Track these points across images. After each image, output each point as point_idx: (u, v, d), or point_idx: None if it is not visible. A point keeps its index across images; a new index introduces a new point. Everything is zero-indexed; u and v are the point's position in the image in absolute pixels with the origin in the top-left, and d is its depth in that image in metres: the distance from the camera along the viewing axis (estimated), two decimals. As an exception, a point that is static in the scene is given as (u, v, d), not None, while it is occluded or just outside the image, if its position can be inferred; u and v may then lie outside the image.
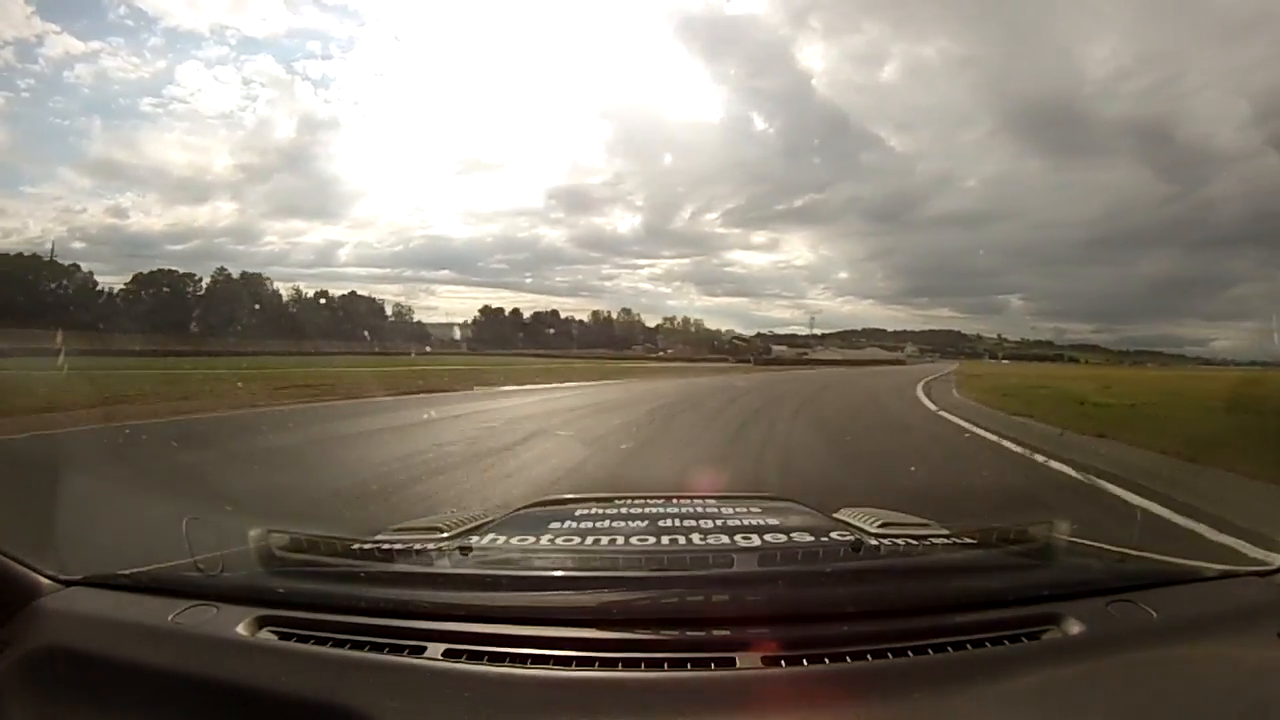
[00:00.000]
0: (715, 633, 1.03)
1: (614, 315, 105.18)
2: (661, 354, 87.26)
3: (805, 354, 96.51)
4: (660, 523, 1.58)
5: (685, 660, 0.96)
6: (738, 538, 1.46)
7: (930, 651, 0.99)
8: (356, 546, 1.36)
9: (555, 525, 1.58)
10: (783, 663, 0.96)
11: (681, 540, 1.44)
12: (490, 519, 1.72)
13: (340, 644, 1.02)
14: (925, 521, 1.67)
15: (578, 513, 1.70)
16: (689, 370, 37.55)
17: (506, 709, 0.89)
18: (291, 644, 1.04)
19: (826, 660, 0.97)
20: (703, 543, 1.42)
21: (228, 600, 1.15)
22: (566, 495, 2.28)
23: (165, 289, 61.18)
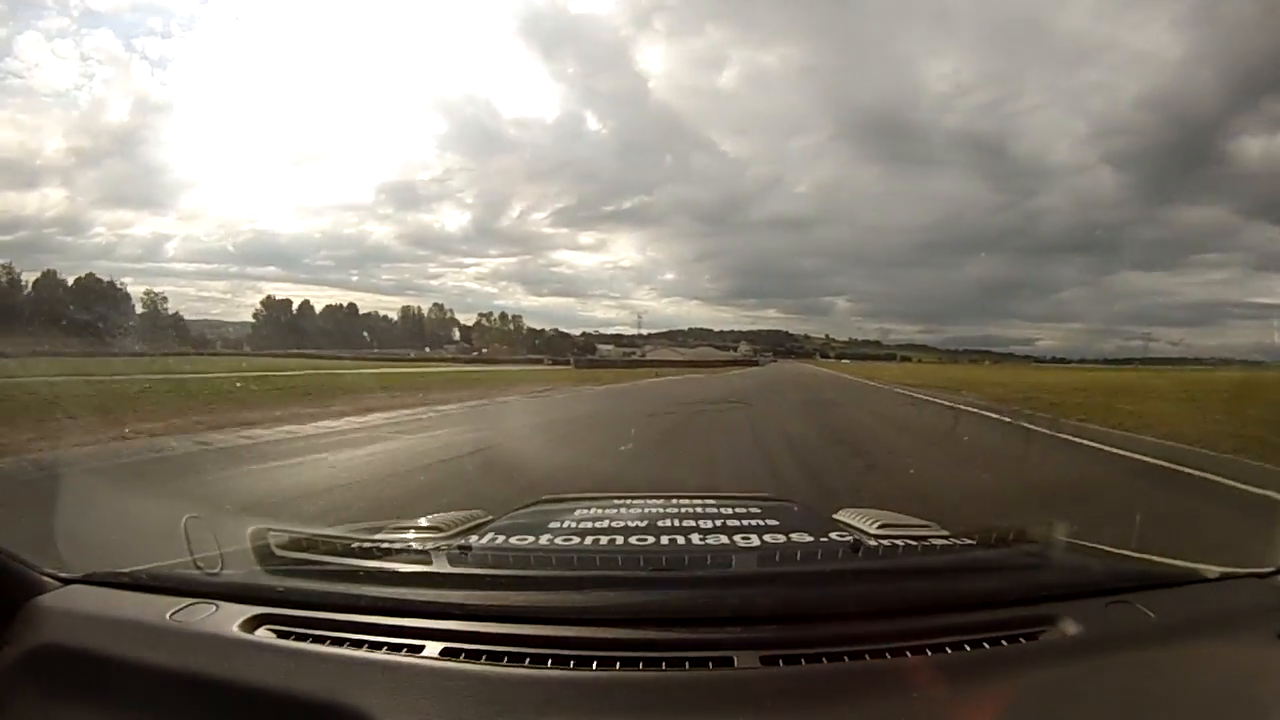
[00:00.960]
0: (714, 632, 1.03)
1: (425, 312, 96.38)
2: (477, 354, 78.49)
3: (633, 354, 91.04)
4: (659, 522, 1.58)
5: (684, 660, 0.96)
6: (737, 538, 1.44)
7: (929, 652, 0.99)
8: (355, 545, 1.36)
9: (554, 525, 1.57)
10: (781, 662, 0.96)
11: (681, 540, 1.44)
12: (489, 518, 1.71)
13: (338, 642, 1.02)
14: (925, 522, 1.65)
15: (577, 512, 1.69)
16: (481, 384, 23.15)
17: (504, 708, 0.88)
18: (290, 642, 1.04)
19: (825, 660, 0.97)
20: (702, 542, 1.42)
21: (226, 598, 1.14)
22: (566, 495, 2.21)
23: None
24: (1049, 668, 0.98)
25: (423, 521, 1.68)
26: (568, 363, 59.24)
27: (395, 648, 1.00)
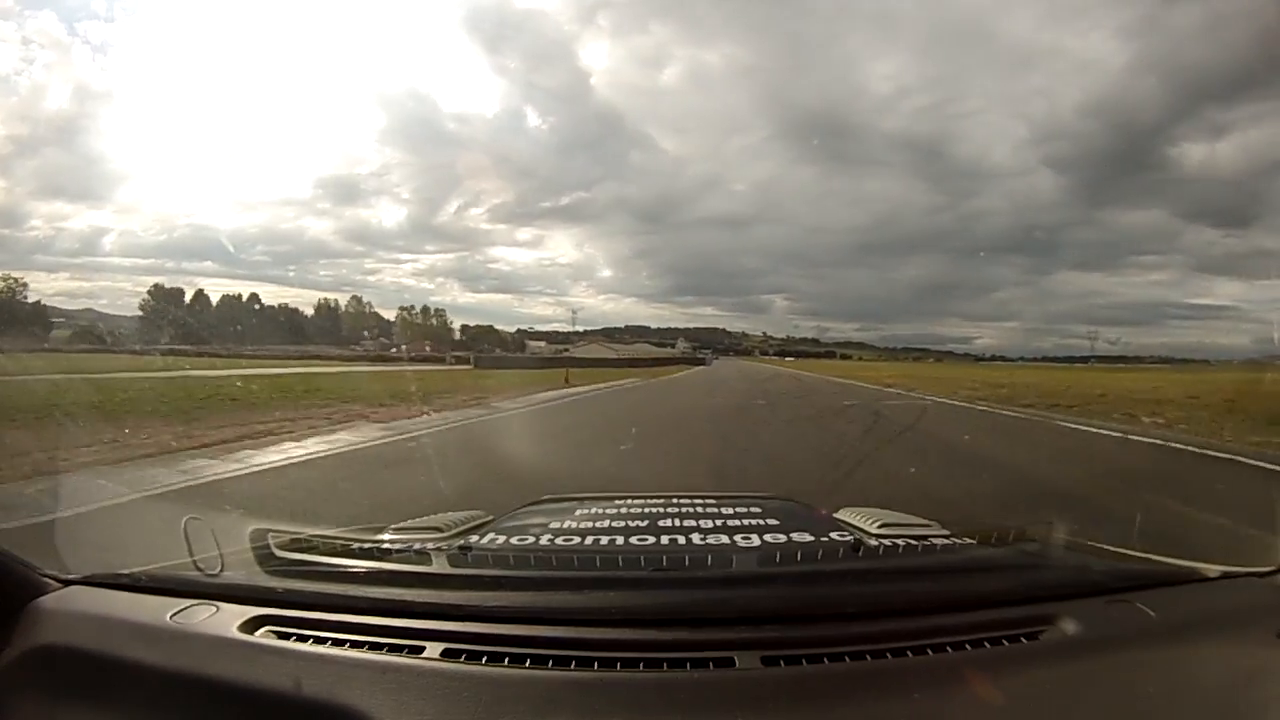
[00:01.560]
0: (715, 633, 1.03)
1: (343, 305, 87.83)
2: (395, 351, 68.05)
3: (565, 351, 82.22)
4: (660, 522, 1.56)
5: (685, 660, 0.96)
6: (737, 537, 1.43)
7: (930, 651, 0.99)
8: (356, 546, 1.35)
9: (555, 525, 1.56)
10: (782, 663, 0.96)
11: (681, 540, 1.43)
12: (490, 518, 1.70)
13: (339, 643, 1.02)
14: (925, 522, 1.63)
15: (577, 512, 1.68)
16: (244, 409, 11.77)
17: (505, 709, 0.89)
18: (290, 643, 1.04)
19: (826, 660, 0.97)
20: (702, 542, 1.41)
21: (227, 599, 1.14)
22: (566, 495, 2.15)
23: None
24: (1049, 667, 0.98)
25: (423, 522, 1.65)
26: (466, 363, 49.66)
27: (395, 649, 1.00)
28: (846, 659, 0.97)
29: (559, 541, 1.45)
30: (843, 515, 1.68)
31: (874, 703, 0.90)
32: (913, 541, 1.39)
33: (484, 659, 0.97)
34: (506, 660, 0.96)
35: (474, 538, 1.46)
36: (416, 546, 1.35)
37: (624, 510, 1.70)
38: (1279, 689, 0.99)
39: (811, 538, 1.42)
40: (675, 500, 1.81)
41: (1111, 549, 1.48)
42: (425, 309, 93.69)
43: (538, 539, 1.46)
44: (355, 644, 1.01)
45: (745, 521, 1.55)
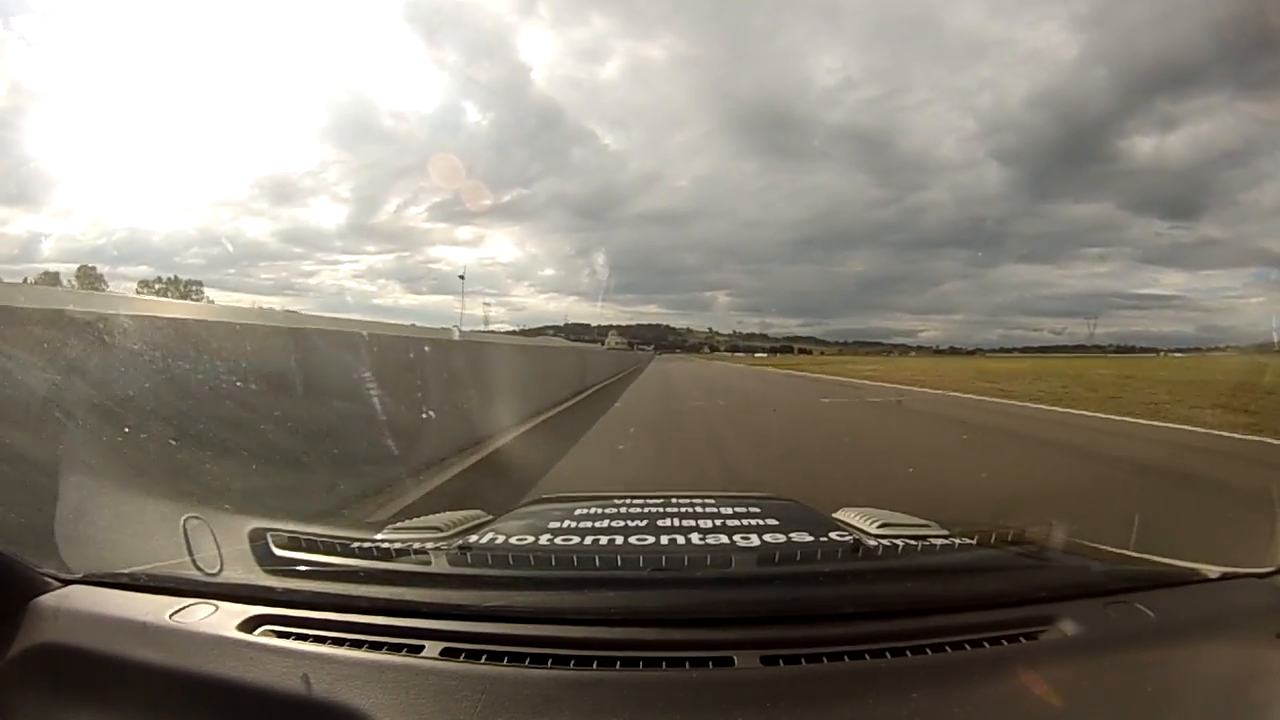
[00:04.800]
0: (714, 632, 1.03)
1: (68, 283, 62.47)
2: None
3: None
4: (659, 522, 1.56)
5: (684, 660, 0.97)
6: (736, 537, 1.43)
7: (928, 652, 1.00)
8: (355, 545, 1.35)
9: (554, 524, 1.56)
10: (781, 662, 0.97)
11: (680, 540, 1.43)
12: (489, 518, 1.70)
13: (338, 643, 1.03)
14: (925, 522, 1.61)
15: (577, 512, 1.68)
16: None
17: (504, 708, 0.89)
18: (289, 642, 1.04)
19: (825, 660, 0.97)
20: (702, 542, 1.41)
21: (226, 599, 1.15)
22: (566, 494, 2.21)
23: None
24: (1048, 668, 0.98)
25: (422, 521, 1.65)
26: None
27: (395, 648, 1.00)
28: (846, 659, 0.97)
29: (558, 541, 1.44)
30: (842, 515, 1.66)
31: (874, 703, 0.90)
32: (912, 542, 1.37)
33: (483, 658, 0.97)
34: (506, 660, 0.96)
35: (473, 537, 1.46)
36: (416, 546, 1.35)
37: (623, 510, 1.69)
38: (1279, 689, 0.99)
39: (811, 538, 1.41)
40: (675, 500, 1.79)
41: (1111, 550, 1.47)
42: (175, 280, 67.77)
43: (537, 538, 1.45)
44: (354, 643, 1.01)
45: (745, 521, 1.54)
